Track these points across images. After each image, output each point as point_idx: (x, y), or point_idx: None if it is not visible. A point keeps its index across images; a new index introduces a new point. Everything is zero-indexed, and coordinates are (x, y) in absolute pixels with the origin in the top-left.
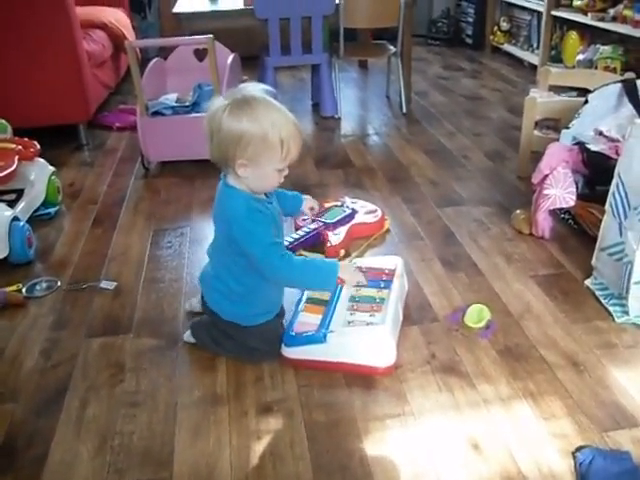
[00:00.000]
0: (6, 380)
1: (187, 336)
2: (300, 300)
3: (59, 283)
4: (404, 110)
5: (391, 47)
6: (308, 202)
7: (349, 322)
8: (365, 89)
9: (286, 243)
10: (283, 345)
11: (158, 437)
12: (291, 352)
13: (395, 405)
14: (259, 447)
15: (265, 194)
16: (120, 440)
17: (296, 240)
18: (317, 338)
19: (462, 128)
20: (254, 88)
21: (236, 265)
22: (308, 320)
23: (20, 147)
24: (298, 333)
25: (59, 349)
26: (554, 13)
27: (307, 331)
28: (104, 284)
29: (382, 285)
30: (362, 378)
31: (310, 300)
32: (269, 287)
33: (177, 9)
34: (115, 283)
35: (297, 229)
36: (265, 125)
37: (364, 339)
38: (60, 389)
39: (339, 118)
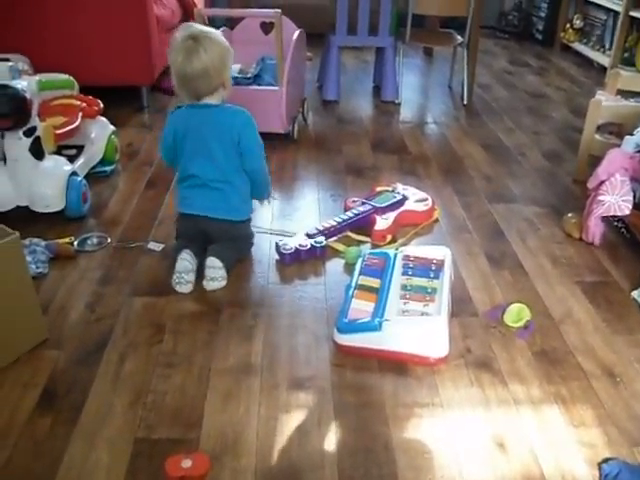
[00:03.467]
0: (52, 328)
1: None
2: (350, 286)
3: (109, 240)
4: (465, 102)
5: (458, 37)
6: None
7: (403, 311)
8: (428, 77)
9: (334, 223)
10: (336, 331)
11: (189, 399)
12: (344, 339)
13: (425, 395)
14: (286, 421)
15: None
16: (153, 398)
17: (344, 221)
18: (372, 326)
19: (522, 125)
20: (190, 27)
21: (241, 170)
22: (361, 307)
23: (84, 104)
24: (352, 320)
25: (104, 304)
26: (632, 14)
27: (361, 318)
28: (152, 245)
29: (432, 275)
30: (395, 364)
31: (360, 287)
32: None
33: None
34: (163, 245)
35: (346, 210)
36: (225, 44)
37: (420, 329)
38: (101, 342)
39: (399, 103)
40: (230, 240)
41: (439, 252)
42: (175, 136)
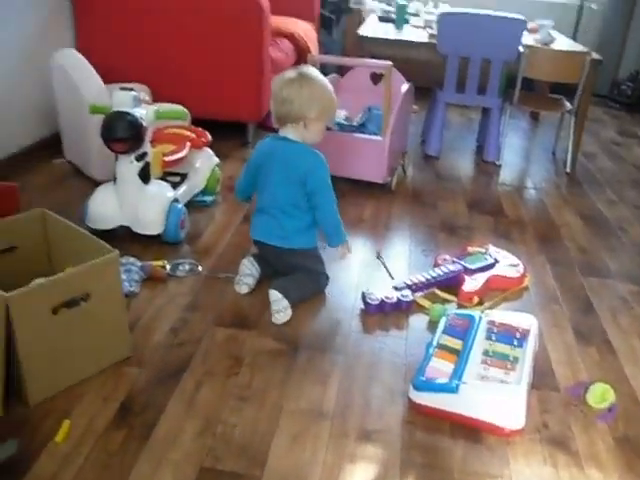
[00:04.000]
0: (137, 346)
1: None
2: (431, 344)
3: (200, 268)
4: (568, 169)
5: (567, 103)
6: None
7: (482, 377)
8: (532, 141)
9: (422, 278)
10: (412, 388)
11: (258, 435)
12: (419, 397)
13: (496, 466)
14: (351, 471)
15: None
16: (223, 429)
17: (433, 278)
18: (449, 388)
19: (625, 198)
20: (311, 68)
21: (304, 202)
22: (440, 367)
23: (193, 135)
24: (429, 379)
25: (187, 330)
26: None
27: (439, 378)
28: (236, 280)
29: (515, 343)
30: (468, 429)
31: (441, 346)
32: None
33: (362, 32)
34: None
35: (436, 266)
36: (328, 89)
37: (498, 397)
38: (180, 367)
39: (500, 165)
40: (293, 272)
41: (525, 320)
42: (255, 164)
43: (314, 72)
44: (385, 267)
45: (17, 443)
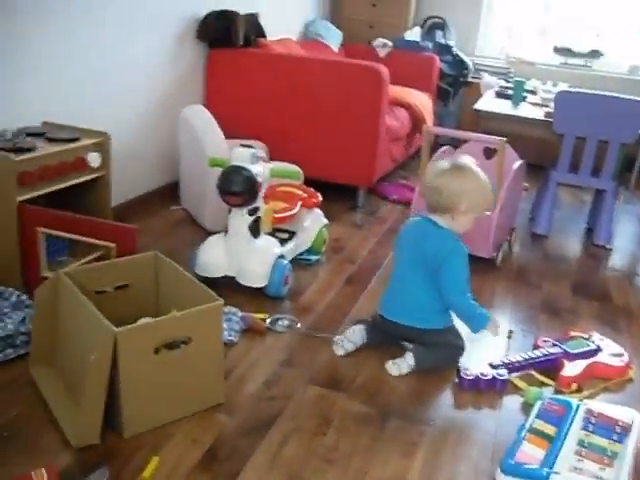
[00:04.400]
0: (229, 394)
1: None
2: (523, 427)
3: (299, 325)
4: None
5: None
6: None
7: (576, 468)
8: None
9: (520, 358)
10: (499, 470)
11: None
12: None
13: None
14: None
15: None
16: None
17: (531, 359)
18: (540, 475)
19: None
20: (466, 158)
21: (436, 286)
22: (530, 452)
23: (305, 195)
24: (518, 463)
25: (280, 384)
26: None
27: (528, 464)
28: (336, 340)
29: (615, 437)
30: None
31: (533, 430)
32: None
33: (479, 106)
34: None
35: (535, 348)
36: (483, 184)
37: None
38: (269, 420)
39: (610, 249)
40: (437, 346)
41: (627, 414)
42: (398, 241)
43: (469, 164)
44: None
45: (108, 472)
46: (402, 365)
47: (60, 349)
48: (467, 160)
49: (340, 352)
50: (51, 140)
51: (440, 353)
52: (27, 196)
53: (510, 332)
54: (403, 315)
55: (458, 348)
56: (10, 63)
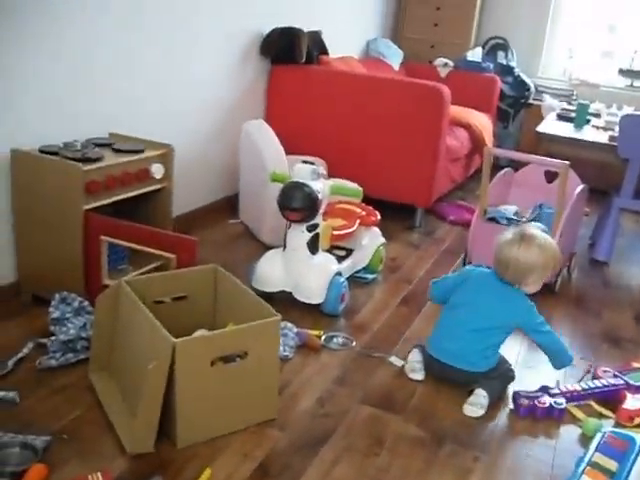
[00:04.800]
0: (282, 410)
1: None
2: (582, 460)
3: (354, 343)
4: None
5: None
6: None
7: None
8: None
9: (579, 388)
10: None
11: None
12: None
13: None
14: None
15: None
16: None
17: (590, 389)
18: None
19: None
20: (534, 227)
21: (501, 337)
22: None
23: (364, 213)
24: None
25: (333, 402)
26: None
27: None
28: (393, 359)
29: None
30: None
31: (594, 464)
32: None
33: (541, 128)
34: (403, 362)
35: (595, 378)
36: (548, 257)
37: None
38: (321, 437)
39: None
40: (488, 380)
41: None
42: (457, 284)
43: (535, 234)
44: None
45: None
46: (478, 404)
47: (119, 356)
48: (533, 230)
49: (419, 377)
50: (117, 151)
51: (501, 384)
52: (93, 205)
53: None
54: (462, 361)
55: (512, 373)
56: (79, 79)
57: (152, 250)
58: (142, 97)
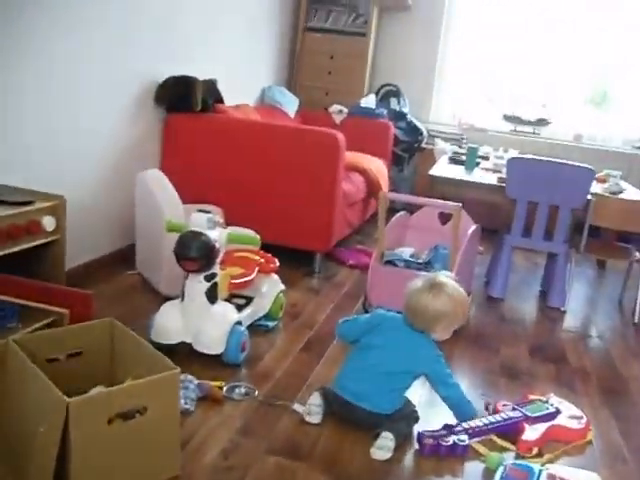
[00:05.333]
0: (186, 465)
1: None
2: None
3: (257, 393)
4: (636, 320)
5: (636, 253)
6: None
7: None
8: (598, 289)
9: (480, 424)
10: None
11: None
12: None
13: None
14: None
15: None
16: None
17: (491, 424)
18: None
19: None
20: (444, 275)
21: (408, 381)
22: None
23: (262, 260)
24: None
25: (238, 454)
26: None
27: None
28: (297, 407)
29: None
30: None
31: None
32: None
33: (433, 172)
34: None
35: (496, 412)
36: (457, 305)
37: None
38: None
39: (564, 311)
40: (392, 422)
41: (588, 478)
42: (369, 326)
43: (444, 283)
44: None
45: None
46: (385, 447)
47: (4, 422)
48: (443, 279)
49: (315, 420)
50: (3, 203)
51: (407, 426)
52: None
53: (487, 404)
54: (366, 400)
55: (416, 413)
56: None
57: (44, 306)
58: (31, 145)
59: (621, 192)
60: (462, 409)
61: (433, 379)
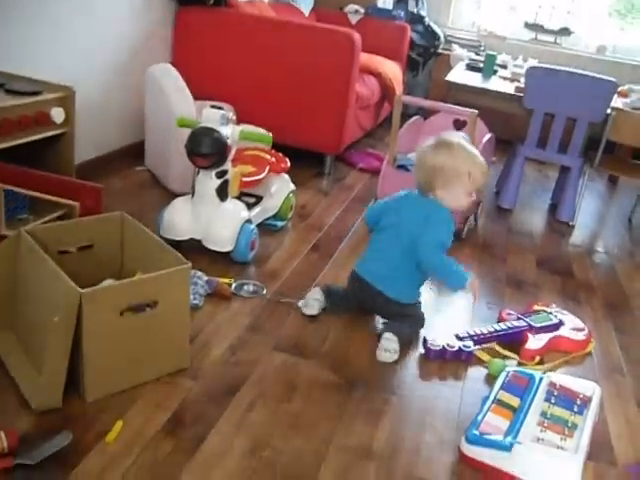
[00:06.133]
0: (193, 360)
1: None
2: (488, 398)
3: (265, 291)
4: None
5: None
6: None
7: (538, 439)
8: (609, 205)
9: (485, 331)
10: (464, 440)
11: (304, 466)
12: (470, 450)
13: None
14: None
15: None
16: (270, 453)
17: (496, 331)
18: (503, 445)
19: None
20: (455, 135)
21: (414, 261)
22: (495, 422)
23: (274, 160)
24: (483, 433)
25: (246, 350)
26: None
27: (492, 434)
28: (301, 304)
29: (575, 409)
30: None
31: (498, 402)
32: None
33: (450, 77)
34: None
35: (500, 321)
36: (459, 158)
37: (552, 463)
38: (234, 385)
39: (573, 226)
40: (402, 318)
41: (588, 387)
42: (388, 206)
43: (451, 139)
44: None
45: (71, 436)
46: (390, 349)
47: (20, 311)
48: (452, 136)
49: (311, 311)
50: (11, 92)
51: (411, 328)
52: None
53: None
54: (382, 282)
55: (423, 319)
56: None
57: (54, 198)
58: (40, 36)
59: None
60: (448, 278)
61: (427, 238)
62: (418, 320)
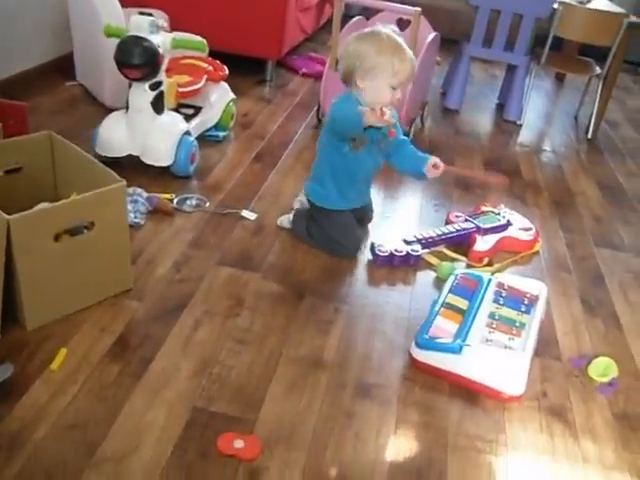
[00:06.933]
0: (138, 279)
1: (282, 221)
2: (436, 302)
3: (208, 204)
4: (589, 136)
5: (597, 67)
6: (432, 160)
7: (487, 340)
8: (555, 103)
9: (433, 234)
10: (414, 345)
11: (254, 380)
12: (421, 354)
13: (491, 430)
14: (346, 424)
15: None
16: (219, 370)
17: (444, 234)
18: (452, 348)
19: None
20: (383, 27)
21: (324, 151)
22: (444, 326)
23: (211, 68)
24: (432, 337)
25: (190, 266)
26: None
27: (442, 337)
28: (245, 213)
29: (523, 309)
30: (466, 391)
31: (447, 305)
32: (341, 176)
33: None
34: (256, 215)
35: (447, 223)
36: (382, 46)
37: (501, 362)
38: (180, 304)
39: (520, 125)
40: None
41: (535, 286)
42: None
43: (377, 30)
44: None
45: (13, 367)
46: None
47: None
48: (381, 28)
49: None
50: None
51: (315, 232)
52: None
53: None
54: (307, 187)
55: (333, 241)
56: None
57: None
58: None
59: (589, 2)
60: (343, 127)
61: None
62: (326, 235)
